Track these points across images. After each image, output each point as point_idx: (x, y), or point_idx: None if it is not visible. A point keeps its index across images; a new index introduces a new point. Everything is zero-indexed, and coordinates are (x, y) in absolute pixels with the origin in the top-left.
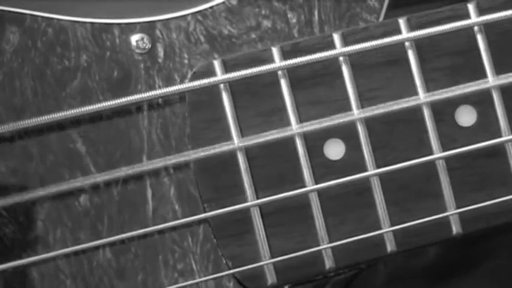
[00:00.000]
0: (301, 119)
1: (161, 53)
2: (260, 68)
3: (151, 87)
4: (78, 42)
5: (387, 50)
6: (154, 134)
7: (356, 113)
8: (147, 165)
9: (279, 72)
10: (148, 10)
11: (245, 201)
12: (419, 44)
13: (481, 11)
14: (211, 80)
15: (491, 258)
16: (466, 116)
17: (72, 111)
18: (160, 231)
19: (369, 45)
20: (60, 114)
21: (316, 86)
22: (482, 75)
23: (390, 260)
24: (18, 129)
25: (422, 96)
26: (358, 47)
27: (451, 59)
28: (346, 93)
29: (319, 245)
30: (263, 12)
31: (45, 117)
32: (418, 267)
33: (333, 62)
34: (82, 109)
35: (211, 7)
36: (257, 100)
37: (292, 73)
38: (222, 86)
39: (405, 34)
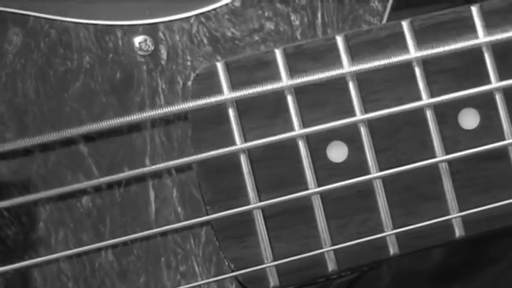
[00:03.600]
0: (304, 122)
1: (164, 55)
2: (267, 87)
3: (154, 89)
4: (80, 43)
5: (391, 53)
6: (157, 136)
7: (359, 115)
8: (149, 168)
9: (283, 76)
10: (150, 12)
11: (248, 203)
12: (423, 47)
13: (484, 14)
14: (217, 98)
15: (496, 262)
16: (469, 119)
17: (81, 128)
18: (163, 233)
19: (376, 64)
20: (70, 131)
21: (319, 89)
22: (486, 78)
23: (394, 263)
24: (22, 130)
25: (426, 99)
26: (366, 66)
27: (454, 62)
28: (349, 96)
29: (321, 248)
30: (266, 14)
31: (54, 134)
32: (422, 270)
33: (336, 64)
34: (90, 126)
35: (214, 9)
36: (260, 102)
37: (295, 76)
38: (225, 88)
39: (413, 53)
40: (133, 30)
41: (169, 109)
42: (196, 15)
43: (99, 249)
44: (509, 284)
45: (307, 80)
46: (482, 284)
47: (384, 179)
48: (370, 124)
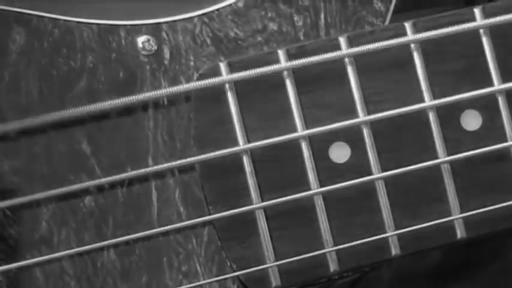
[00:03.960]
0: (306, 122)
1: (167, 55)
2: (266, 68)
3: (157, 89)
4: (84, 43)
5: (393, 54)
6: (160, 135)
7: (362, 116)
8: (151, 169)
9: (285, 74)
10: (154, 12)
11: (250, 203)
12: (425, 48)
13: (487, 16)
14: (218, 79)
15: (496, 261)
16: (472, 121)
17: (79, 109)
18: (165, 233)
19: (374, 46)
20: (66, 112)
21: (322, 89)
22: (488, 80)
23: (395, 263)
24: (24, 129)
25: (428, 100)
26: (363, 48)
27: (456, 64)
28: (351, 96)
29: (323, 248)
30: (269, 15)
31: (51, 115)
32: (422, 270)
33: (339, 64)
34: (89, 107)
35: (217, 9)
36: (263, 102)
37: (298, 76)
38: (227, 87)
39: (411, 36)
40: (136, 30)
41: (171, 90)
42: (200, 16)
43: (102, 249)
44: (508, 284)
45: (305, 61)
46: (481, 284)
47: (386, 180)
48: (373, 125)
